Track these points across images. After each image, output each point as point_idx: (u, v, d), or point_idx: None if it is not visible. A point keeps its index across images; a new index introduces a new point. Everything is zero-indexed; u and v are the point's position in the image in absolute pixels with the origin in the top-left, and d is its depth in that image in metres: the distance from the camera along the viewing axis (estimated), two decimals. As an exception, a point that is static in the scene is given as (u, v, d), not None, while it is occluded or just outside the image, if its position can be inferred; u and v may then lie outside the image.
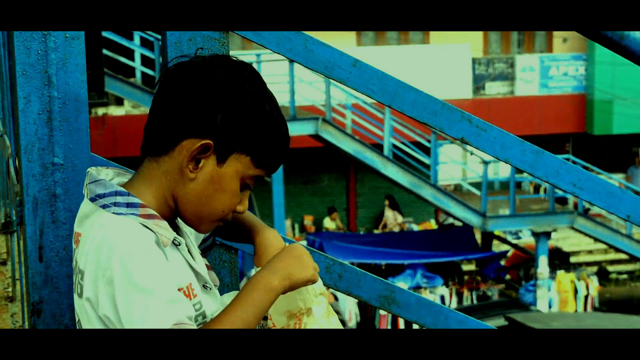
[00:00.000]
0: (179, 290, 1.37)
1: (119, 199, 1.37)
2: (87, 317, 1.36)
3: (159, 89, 1.42)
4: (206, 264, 1.56)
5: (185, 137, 1.38)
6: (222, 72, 1.39)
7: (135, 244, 1.31)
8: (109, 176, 1.46)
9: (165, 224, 1.39)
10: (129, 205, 1.37)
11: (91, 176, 1.42)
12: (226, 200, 1.43)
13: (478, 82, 18.02)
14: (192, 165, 1.39)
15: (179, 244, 1.42)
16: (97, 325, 1.35)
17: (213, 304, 1.49)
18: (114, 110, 15.30)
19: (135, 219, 1.35)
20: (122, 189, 1.40)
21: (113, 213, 1.36)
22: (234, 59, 1.44)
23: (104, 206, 1.37)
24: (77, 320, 1.42)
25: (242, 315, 1.34)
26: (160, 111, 1.40)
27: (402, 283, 12.51)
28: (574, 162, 14.84)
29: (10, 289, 3.27)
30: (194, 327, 1.29)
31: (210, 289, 1.49)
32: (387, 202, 16.85)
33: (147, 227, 1.35)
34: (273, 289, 1.40)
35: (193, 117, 1.37)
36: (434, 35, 18.05)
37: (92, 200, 1.39)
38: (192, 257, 1.48)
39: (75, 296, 1.40)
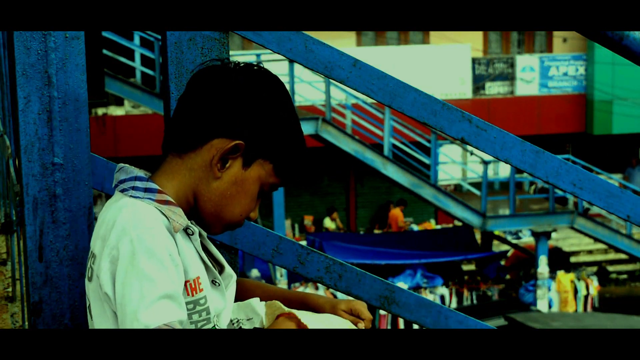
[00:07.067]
0: (185, 282, 1.38)
1: (138, 183, 1.41)
2: (94, 299, 1.39)
3: (192, 87, 1.46)
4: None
5: (217, 136, 1.42)
6: (257, 80, 1.45)
7: (147, 228, 1.33)
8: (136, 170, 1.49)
9: (180, 210, 1.41)
10: (146, 190, 1.41)
11: (118, 166, 1.47)
12: (245, 204, 1.47)
13: (478, 82, 18.01)
14: (219, 165, 1.43)
15: (192, 234, 1.44)
16: (99, 307, 1.38)
17: (220, 300, 1.49)
18: (114, 110, 15.31)
19: (150, 203, 1.38)
20: (142, 174, 1.44)
21: (130, 197, 1.39)
22: (268, 70, 1.49)
23: (122, 190, 1.42)
24: (87, 304, 1.44)
25: None
26: (192, 108, 1.44)
27: (402, 283, 12.50)
28: (574, 162, 14.84)
29: (10, 289, 3.27)
30: None
31: (219, 285, 1.49)
32: None
33: (161, 213, 1.38)
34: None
35: (227, 118, 1.42)
36: (434, 35, 18.04)
37: (115, 187, 1.44)
38: (208, 251, 1.50)
39: (86, 281, 1.43)
